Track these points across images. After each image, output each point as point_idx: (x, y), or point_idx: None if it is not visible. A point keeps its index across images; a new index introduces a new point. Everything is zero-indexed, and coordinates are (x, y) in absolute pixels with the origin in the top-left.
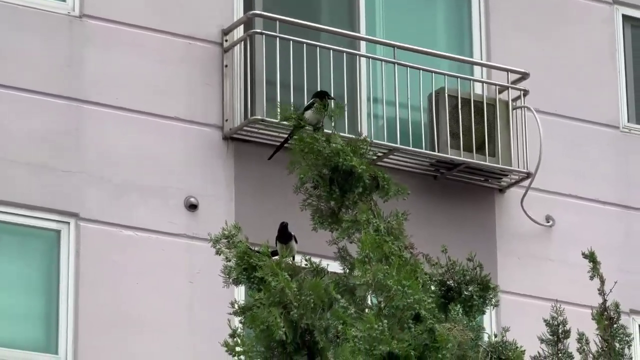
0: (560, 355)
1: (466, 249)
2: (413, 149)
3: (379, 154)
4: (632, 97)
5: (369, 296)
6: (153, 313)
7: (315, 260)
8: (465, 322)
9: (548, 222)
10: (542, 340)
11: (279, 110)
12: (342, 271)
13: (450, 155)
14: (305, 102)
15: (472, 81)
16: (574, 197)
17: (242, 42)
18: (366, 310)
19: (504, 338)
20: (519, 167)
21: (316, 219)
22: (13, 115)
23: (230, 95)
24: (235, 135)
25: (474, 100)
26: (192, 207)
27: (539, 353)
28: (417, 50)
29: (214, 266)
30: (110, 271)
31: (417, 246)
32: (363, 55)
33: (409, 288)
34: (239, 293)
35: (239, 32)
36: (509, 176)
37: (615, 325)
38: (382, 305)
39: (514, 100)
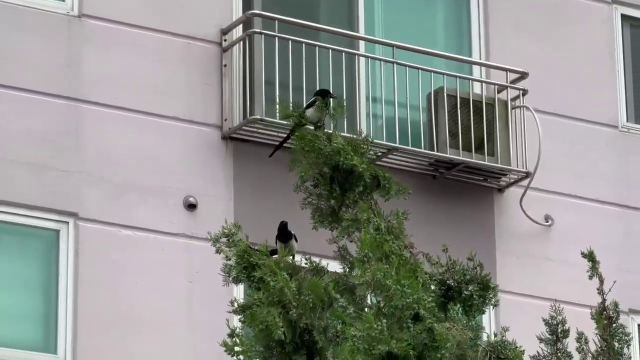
0: (559, 354)
1: (465, 249)
2: (412, 148)
3: (378, 154)
4: (631, 97)
5: (368, 295)
6: (152, 313)
7: (315, 259)
8: (464, 322)
9: (547, 221)
10: (541, 340)
11: (277, 107)
12: (342, 270)
13: (449, 154)
14: (305, 102)
15: (471, 81)
16: (573, 196)
17: (241, 42)
18: (365, 309)
19: (504, 338)
20: (518, 167)
21: (316, 218)
22: (12, 115)
23: (229, 95)
24: (234, 135)
25: (473, 100)
26: (191, 206)
27: (538, 352)
28: (416, 49)
29: (213, 266)
30: (110, 271)
31: (417, 246)
32: (362, 55)
33: (408, 288)
34: (238, 293)
35: (238, 31)
36: (508, 176)
37: (614, 325)
38: (381, 305)
39: (513, 99)
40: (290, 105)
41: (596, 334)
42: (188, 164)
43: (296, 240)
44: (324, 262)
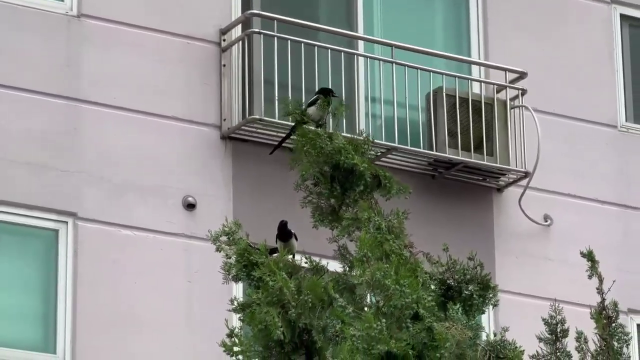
0: (558, 354)
1: (464, 248)
2: (411, 148)
3: (377, 154)
4: (630, 97)
5: (368, 295)
6: (151, 312)
7: (315, 259)
8: (464, 322)
9: (546, 221)
10: (540, 339)
11: (276, 105)
12: (342, 269)
13: (448, 154)
14: (304, 102)
15: (470, 80)
16: (572, 196)
17: (240, 42)
18: (365, 309)
19: (503, 338)
20: (517, 167)
21: (316, 217)
22: (11, 115)
23: (228, 95)
24: (233, 135)
25: (472, 100)
26: (190, 206)
27: (537, 352)
28: (415, 49)
29: (213, 265)
30: (109, 271)
31: (416, 245)
32: (361, 55)
33: (407, 287)
34: (238, 292)
35: (237, 31)
36: (507, 175)
37: (613, 324)
38: (381, 305)
39: (512, 99)
40: (290, 103)
41: (595, 333)
42: (187, 163)
43: (296, 239)
44: (323, 262)
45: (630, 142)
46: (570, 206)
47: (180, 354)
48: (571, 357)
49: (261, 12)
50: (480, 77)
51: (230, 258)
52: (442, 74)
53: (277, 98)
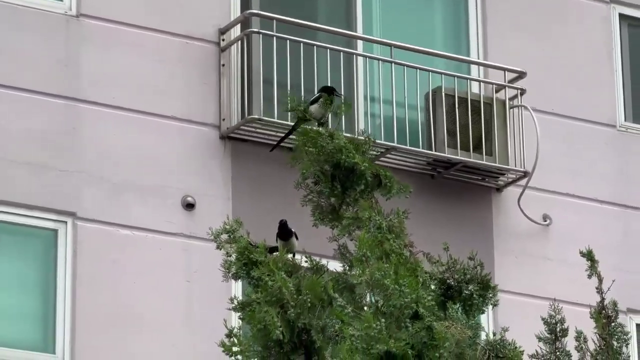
0: (558, 353)
1: (463, 248)
2: (410, 147)
3: (377, 153)
4: (629, 96)
5: (368, 294)
6: (151, 312)
7: (315, 259)
8: (463, 322)
9: (545, 221)
10: (540, 339)
11: (276, 105)
12: (342, 268)
13: (448, 154)
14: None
15: (469, 80)
16: (571, 196)
17: (239, 42)
18: (365, 308)
19: (503, 337)
20: (516, 166)
21: (316, 215)
22: (10, 115)
23: (227, 95)
24: (232, 135)
25: (471, 99)
26: (190, 206)
27: (536, 351)
28: (414, 49)
29: (212, 265)
30: (108, 270)
31: (415, 245)
32: (360, 55)
33: (407, 287)
34: (237, 292)
35: (236, 31)
36: (506, 175)
37: (613, 324)
38: (380, 305)
39: (511, 99)
40: (293, 100)
41: (595, 333)
42: (186, 163)
43: (297, 238)
44: (323, 262)
45: (630, 141)
46: (570, 206)
47: (179, 354)
48: (571, 356)
49: (260, 12)
50: (479, 76)
51: (230, 256)
52: (441, 73)
53: (276, 98)
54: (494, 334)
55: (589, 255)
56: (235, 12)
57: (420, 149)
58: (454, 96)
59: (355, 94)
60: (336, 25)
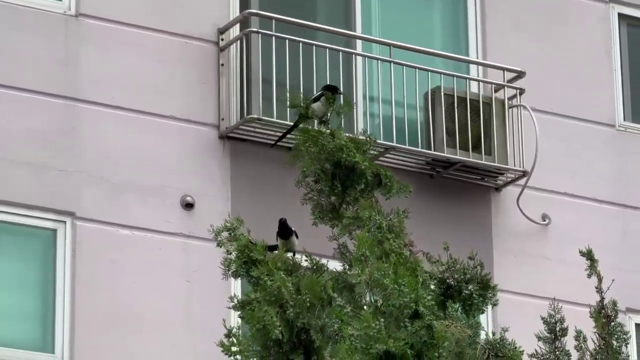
0: (557, 352)
1: (462, 248)
2: (409, 147)
3: (376, 153)
4: (628, 96)
5: (368, 294)
6: (150, 312)
7: (314, 258)
8: (463, 321)
9: (544, 220)
10: (539, 338)
11: (275, 104)
12: (342, 268)
13: (447, 153)
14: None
15: (468, 80)
16: (570, 195)
17: (238, 41)
18: (364, 307)
19: (503, 337)
20: (515, 166)
21: (316, 214)
22: (9, 115)
23: (226, 94)
24: (231, 134)
25: (470, 99)
26: (189, 206)
27: (536, 351)
28: (413, 48)
29: (211, 265)
30: (107, 270)
31: (415, 245)
32: (359, 54)
33: (406, 287)
34: (236, 291)
35: (235, 31)
36: (505, 175)
37: (612, 323)
38: (379, 304)
39: (510, 98)
40: (296, 96)
41: (594, 332)
42: (185, 163)
43: (297, 237)
44: (323, 261)
45: (629, 141)
46: (569, 205)
47: (178, 354)
48: (570, 356)
49: (259, 12)
50: (478, 76)
51: (230, 254)
52: (440, 73)
53: (275, 98)
54: (494, 334)
55: (588, 255)
56: (235, 11)
57: (419, 149)
58: (453, 96)
59: (354, 93)
60: (335, 25)
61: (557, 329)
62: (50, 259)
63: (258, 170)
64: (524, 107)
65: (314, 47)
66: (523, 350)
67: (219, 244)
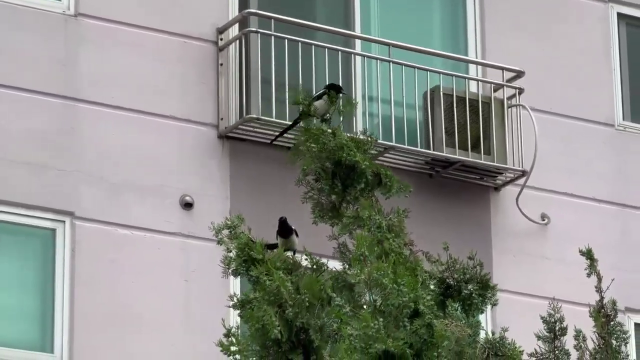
0: (557, 352)
1: (461, 247)
2: (408, 147)
3: (375, 152)
4: (627, 95)
5: (367, 293)
6: (149, 312)
7: (314, 257)
8: (462, 321)
9: (543, 220)
10: (539, 337)
11: (273, 104)
12: (341, 267)
13: (446, 153)
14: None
15: (467, 79)
16: (569, 195)
17: (237, 41)
18: (364, 306)
19: (503, 336)
20: (514, 165)
21: (316, 213)
22: (8, 115)
23: (225, 94)
24: (230, 134)
25: (469, 99)
26: (188, 205)
27: (535, 350)
28: (412, 48)
29: (210, 264)
30: (106, 270)
31: (415, 244)
32: (358, 54)
33: (405, 286)
34: (235, 290)
35: (234, 30)
36: (504, 174)
37: (612, 323)
38: (378, 304)
39: (509, 98)
40: (299, 93)
41: (594, 331)
42: (184, 163)
43: (297, 235)
44: (323, 261)
45: (628, 140)
46: (568, 205)
47: (177, 353)
48: (570, 355)
49: (258, 11)
50: (477, 76)
51: (231, 252)
52: (439, 72)
53: (274, 97)
54: (493, 333)
55: (588, 254)
56: (234, 11)
57: (419, 148)
58: (452, 95)
59: (353, 93)
60: (334, 25)
61: (557, 328)
62: (49, 259)
63: (257, 169)
64: (523, 107)
65: (313, 46)
66: (523, 350)
67: (220, 242)
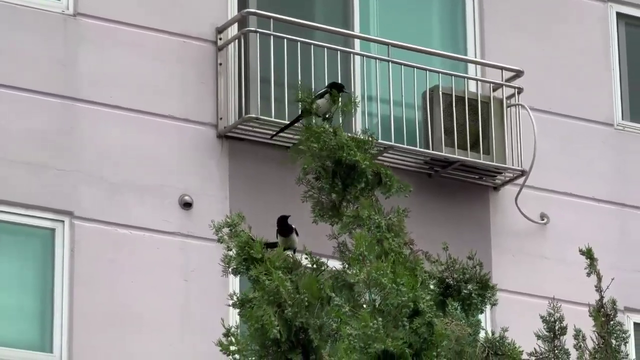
0: (556, 351)
1: (461, 247)
2: (407, 146)
3: (374, 152)
4: (627, 95)
5: (366, 293)
6: (148, 311)
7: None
8: (462, 321)
9: (542, 219)
10: (538, 337)
11: (273, 104)
12: (341, 266)
13: (445, 153)
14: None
15: (466, 79)
16: (568, 194)
17: (236, 41)
18: (364, 306)
19: (503, 336)
20: (513, 165)
21: (316, 212)
22: (8, 115)
23: (224, 94)
24: (229, 134)
25: (468, 98)
26: (187, 205)
27: (535, 349)
28: (411, 48)
29: (209, 264)
30: (105, 269)
31: (415, 243)
32: (357, 54)
33: (404, 286)
34: (235, 289)
35: (233, 30)
36: (503, 174)
37: (612, 322)
38: (377, 303)
39: (509, 98)
40: (302, 90)
41: (594, 331)
42: (184, 162)
43: (297, 234)
44: (322, 260)
45: (627, 140)
46: (567, 204)
47: (177, 353)
48: (569, 354)
49: (257, 11)
50: (476, 75)
51: (231, 250)
52: (438, 72)
53: (273, 97)
54: (493, 333)
55: (588, 253)
56: (233, 11)
57: (418, 148)
58: (451, 95)
59: (352, 93)
60: (333, 24)
61: (556, 327)
62: (48, 259)
63: (256, 169)
64: (523, 107)
65: (312, 46)
66: (522, 351)
67: (220, 240)
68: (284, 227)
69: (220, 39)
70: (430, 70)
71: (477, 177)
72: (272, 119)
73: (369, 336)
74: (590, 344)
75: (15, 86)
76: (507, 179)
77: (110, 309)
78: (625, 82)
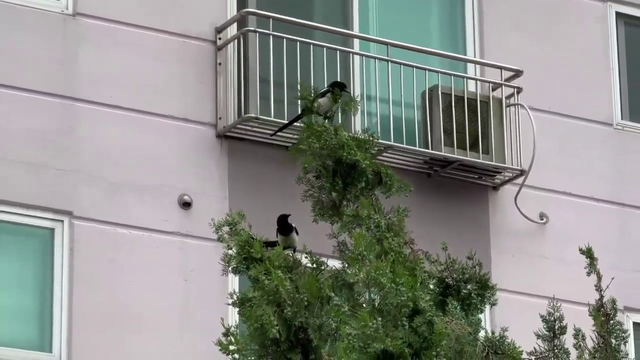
0: (556, 351)
1: (460, 247)
2: (407, 146)
3: (373, 152)
4: (626, 95)
5: (366, 292)
6: (147, 311)
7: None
8: (462, 321)
9: (542, 219)
10: (538, 336)
11: (272, 104)
12: (341, 266)
13: (444, 152)
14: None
15: (465, 79)
16: (567, 194)
17: (236, 40)
18: (363, 305)
19: (503, 335)
20: (512, 165)
21: (317, 211)
22: (8, 115)
23: (223, 93)
24: (229, 133)
25: (467, 98)
26: (186, 205)
27: (535, 349)
28: (410, 47)
29: (208, 264)
30: (105, 269)
31: (416, 243)
32: (356, 53)
33: (403, 285)
34: (234, 289)
35: (233, 30)
36: (502, 173)
37: (611, 322)
38: (377, 303)
39: (508, 97)
40: (304, 88)
41: (593, 330)
42: (183, 162)
43: (297, 233)
44: (322, 259)
45: (626, 140)
46: (566, 204)
47: (176, 352)
48: (569, 354)
49: (257, 11)
50: (475, 75)
51: (231, 249)
52: (437, 72)
53: (272, 97)
54: (493, 332)
55: (588, 253)
56: (232, 10)
57: (417, 148)
58: (450, 95)
59: (351, 92)
60: (333, 24)
61: (556, 327)
62: (48, 258)
63: (256, 169)
64: (522, 106)
65: (311, 46)
66: (522, 350)
67: (220, 239)
68: (284, 226)
69: (220, 38)
70: (430, 70)
71: (476, 176)
72: (272, 119)
73: (368, 336)
74: (590, 344)
75: (15, 86)
76: (507, 178)
77: (109, 309)
78: (625, 81)
